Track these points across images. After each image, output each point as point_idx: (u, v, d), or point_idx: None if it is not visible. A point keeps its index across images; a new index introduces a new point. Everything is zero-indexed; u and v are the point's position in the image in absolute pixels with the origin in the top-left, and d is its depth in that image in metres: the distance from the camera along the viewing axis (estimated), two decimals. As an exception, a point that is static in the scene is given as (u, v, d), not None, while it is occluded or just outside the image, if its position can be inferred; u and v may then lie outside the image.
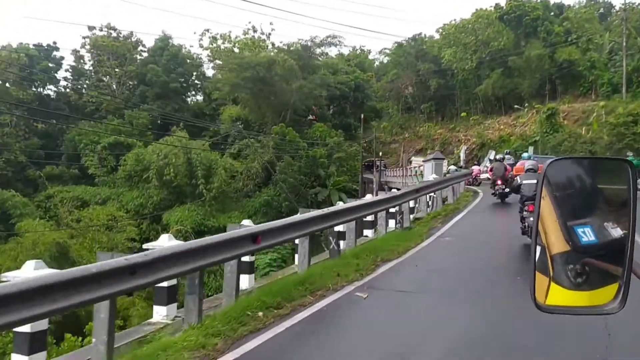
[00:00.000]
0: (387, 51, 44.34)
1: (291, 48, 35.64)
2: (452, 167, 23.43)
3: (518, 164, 13.06)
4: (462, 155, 30.41)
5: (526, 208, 6.91)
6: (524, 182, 7.26)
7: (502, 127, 30.95)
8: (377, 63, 50.39)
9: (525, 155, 16.28)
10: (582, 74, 29.37)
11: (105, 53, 36.83)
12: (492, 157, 21.00)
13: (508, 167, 12.57)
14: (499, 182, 12.12)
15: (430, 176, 17.04)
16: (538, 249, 1.12)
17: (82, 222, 20.16)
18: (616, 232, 1.10)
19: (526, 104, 29.76)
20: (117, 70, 37.29)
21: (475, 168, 19.37)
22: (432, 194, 11.92)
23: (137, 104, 34.82)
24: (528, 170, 7.71)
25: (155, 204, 25.00)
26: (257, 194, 26.09)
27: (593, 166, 1.18)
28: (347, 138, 38.31)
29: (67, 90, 37.51)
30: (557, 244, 1.11)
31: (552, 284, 1.10)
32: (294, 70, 31.75)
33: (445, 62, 35.15)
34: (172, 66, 36.30)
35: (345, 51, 48.11)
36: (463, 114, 35.59)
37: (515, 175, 10.64)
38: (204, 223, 23.32)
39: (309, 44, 36.54)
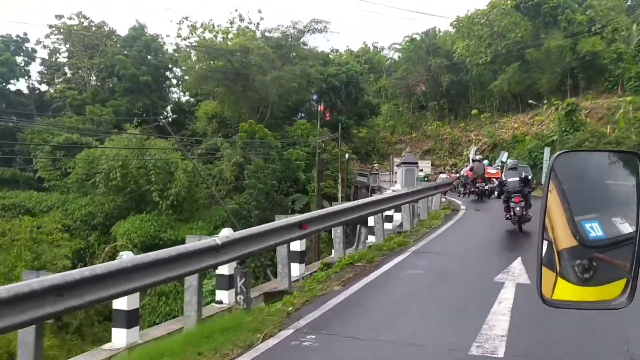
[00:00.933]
0: (398, 46, 44.27)
1: (269, 34, 33.06)
2: (421, 174, 22.48)
3: (490, 169, 15.89)
4: (472, 156, 29.89)
5: (513, 199, 8.53)
6: (509, 179, 8.88)
7: (517, 125, 30.54)
8: (388, 61, 50.16)
9: (485, 162, 18.28)
10: (607, 68, 28.89)
11: (77, 44, 35.46)
12: (503, 159, 23.37)
13: (486, 167, 14.49)
14: (480, 180, 13.91)
15: (392, 188, 14.34)
16: (545, 243, 1.17)
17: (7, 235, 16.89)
18: (624, 227, 1.16)
19: (545, 101, 29.46)
20: (88, 61, 35.58)
21: (443, 175, 20.86)
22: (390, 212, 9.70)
23: (106, 99, 33.00)
24: (511, 168, 9.31)
25: (107, 213, 22.76)
26: (228, 201, 23.88)
27: (601, 159, 1.23)
28: (342, 138, 37.95)
29: (33, 84, 36.47)
30: (564, 239, 1.16)
31: (559, 279, 1.16)
32: (271, 60, 29.82)
33: (458, 55, 34.95)
34: (144, 58, 34.26)
35: (354, 46, 47.87)
36: (474, 111, 35.33)
37: (490, 177, 13.91)
38: (159, 235, 21.16)
39: (291, 30, 33.69)
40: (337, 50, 51.36)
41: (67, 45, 37.03)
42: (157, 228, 21.66)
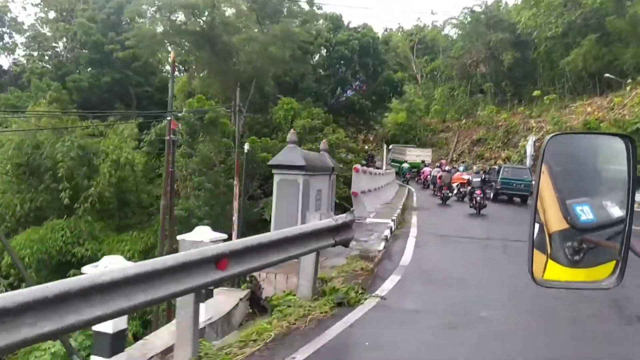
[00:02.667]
0: (455, 21, 43.07)
1: None
2: (406, 166, 30.55)
3: (456, 175, 20.21)
4: (529, 149, 28.35)
5: (475, 192, 14.58)
6: (473, 180, 15.80)
7: (591, 110, 28.54)
8: (447, 39, 49.02)
9: (460, 168, 24.16)
10: None
11: (51, 6, 34.10)
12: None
13: (452, 177, 18.90)
14: (445, 188, 18.25)
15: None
16: (536, 226, 1.36)
17: None
18: (614, 210, 1.32)
19: (629, 80, 27.52)
20: (63, 27, 33.56)
21: (432, 170, 25.12)
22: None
23: (70, 72, 30.34)
24: (476, 172, 17.34)
25: (20, 217, 18.75)
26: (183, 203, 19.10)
27: (593, 142, 1.39)
28: (354, 124, 35.17)
29: (16, 58, 35.48)
30: (556, 221, 1.34)
31: (550, 261, 1.34)
32: (245, 18, 26.00)
33: (522, 27, 33.21)
34: (115, 23, 31.01)
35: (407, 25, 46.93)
36: (536, 92, 33.48)
37: (457, 182, 18.99)
38: (71, 250, 17.50)
39: None
40: (390, 29, 50.91)
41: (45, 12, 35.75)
42: (73, 239, 17.64)
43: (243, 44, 25.04)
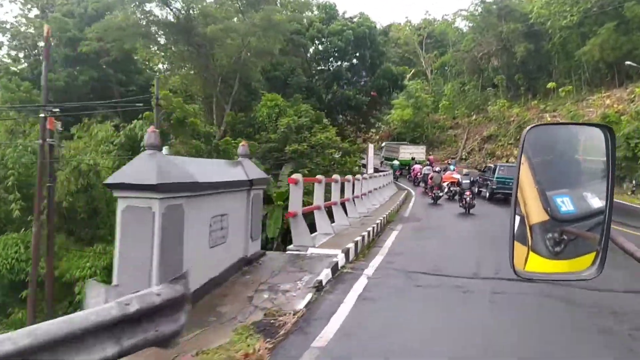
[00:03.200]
0: (465, 12, 42.82)
1: None
2: (396, 163, 30.67)
3: (446, 174, 20.73)
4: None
5: (465, 193, 15.98)
6: (463, 181, 16.93)
7: (610, 103, 28.23)
8: (457, 32, 48.64)
9: (451, 167, 24.82)
10: None
11: (32, 3, 33.23)
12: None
13: (443, 176, 19.98)
14: (436, 188, 19.52)
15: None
16: (517, 218, 1.40)
17: None
18: (594, 201, 1.35)
19: (650, 70, 27.09)
20: (36, 24, 32.18)
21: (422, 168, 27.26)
22: None
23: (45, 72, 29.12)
24: (465, 174, 18.04)
25: None
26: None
27: (573, 133, 1.43)
28: (354, 122, 34.25)
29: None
30: (536, 213, 1.38)
31: (531, 253, 1.38)
32: (227, 7, 24.57)
33: (536, 17, 32.85)
34: (93, 17, 28.80)
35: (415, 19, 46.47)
36: (550, 84, 33.07)
37: (447, 181, 19.53)
38: (25, 268, 15.59)
39: None
40: (398, 24, 50.72)
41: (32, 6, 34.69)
42: (29, 255, 15.30)
43: (221, 36, 23.24)
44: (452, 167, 23.56)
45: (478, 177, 22.06)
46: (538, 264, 1.37)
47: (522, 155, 1.39)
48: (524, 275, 1.39)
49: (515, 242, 1.39)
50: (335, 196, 11.67)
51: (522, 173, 1.38)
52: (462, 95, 41.59)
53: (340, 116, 34.07)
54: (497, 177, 19.80)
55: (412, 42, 49.79)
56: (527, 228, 1.38)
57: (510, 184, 19.51)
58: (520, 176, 1.38)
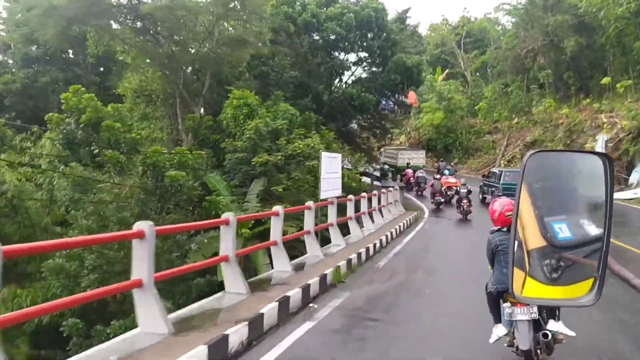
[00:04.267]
0: (507, 7, 41.87)
1: None
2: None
3: (443, 179, 22.46)
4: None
5: (463, 201, 18.21)
6: (461, 190, 20.09)
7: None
8: (499, 28, 47.58)
9: (446, 172, 25.73)
10: None
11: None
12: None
13: (443, 182, 21.90)
14: (438, 195, 21.62)
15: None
16: (516, 243, 1.52)
17: None
18: (591, 229, 1.47)
19: None
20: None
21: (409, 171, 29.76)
22: None
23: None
24: (463, 184, 20.51)
25: None
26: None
27: (573, 160, 1.55)
28: (369, 127, 31.50)
29: None
30: (534, 239, 1.51)
31: (528, 278, 1.50)
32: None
33: (586, 6, 31.58)
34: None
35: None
36: (605, 80, 31.44)
37: (445, 186, 21.88)
38: None
39: None
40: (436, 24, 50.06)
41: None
42: None
43: (169, 17, 20.53)
44: (446, 172, 25.73)
45: (482, 183, 23.66)
46: (536, 289, 1.49)
47: (522, 182, 1.51)
48: (522, 300, 1.51)
49: (514, 267, 1.52)
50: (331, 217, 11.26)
51: (522, 199, 1.51)
52: (504, 98, 40.53)
53: (354, 122, 31.44)
54: (503, 184, 20.17)
55: (449, 41, 49.13)
56: (525, 253, 1.50)
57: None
58: (520, 202, 1.51)
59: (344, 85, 29.08)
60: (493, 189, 21.55)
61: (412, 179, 28.61)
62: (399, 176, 32.12)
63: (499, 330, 4.07)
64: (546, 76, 35.93)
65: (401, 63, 28.08)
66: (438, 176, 23.02)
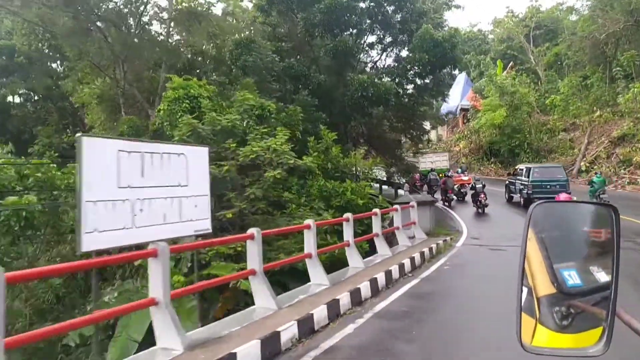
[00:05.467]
0: None
1: None
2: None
3: (455, 177, 25.48)
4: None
5: (480, 195, 20.67)
6: (477, 185, 21.29)
7: None
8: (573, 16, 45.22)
9: (459, 170, 28.72)
10: None
11: None
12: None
13: (456, 180, 24.25)
14: (450, 192, 23.67)
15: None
16: (525, 290, 1.63)
17: None
18: (601, 276, 1.55)
19: None
20: None
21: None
22: None
23: None
24: (477, 179, 21.99)
25: None
26: None
27: (579, 210, 1.63)
28: (397, 129, 27.71)
29: None
30: (543, 286, 1.61)
31: (538, 325, 1.61)
32: None
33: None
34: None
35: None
36: None
37: (458, 183, 24.70)
38: None
39: None
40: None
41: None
42: None
43: None
44: (459, 171, 28.29)
45: (507, 182, 24.77)
46: (545, 338, 1.58)
47: (529, 230, 1.62)
48: (531, 350, 1.61)
49: (523, 314, 1.62)
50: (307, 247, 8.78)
51: (529, 246, 1.62)
52: (583, 92, 37.94)
53: (385, 123, 27.49)
54: (532, 181, 20.94)
55: (517, 35, 47.26)
56: (535, 300, 1.60)
57: (548, 186, 20.56)
58: (528, 249, 1.62)
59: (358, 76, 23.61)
60: (522, 187, 21.89)
61: (417, 182, 28.31)
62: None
63: None
64: (630, 57, 33.31)
65: (428, 37, 23.11)
66: (450, 174, 25.26)
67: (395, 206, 14.08)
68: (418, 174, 29.85)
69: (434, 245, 13.20)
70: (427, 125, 33.51)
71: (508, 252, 12.71)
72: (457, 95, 50.05)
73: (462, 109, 48.49)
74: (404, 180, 27.73)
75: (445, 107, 52.97)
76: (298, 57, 23.62)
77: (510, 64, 45.20)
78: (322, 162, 17.09)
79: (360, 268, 10.03)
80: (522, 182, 21.97)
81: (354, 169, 19.50)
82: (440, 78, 27.22)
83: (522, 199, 22.01)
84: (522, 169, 23.08)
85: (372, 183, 22.35)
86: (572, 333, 1.56)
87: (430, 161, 33.50)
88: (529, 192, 20.96)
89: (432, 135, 54.20)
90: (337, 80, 23.39)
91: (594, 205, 1.65)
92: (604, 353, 1.50)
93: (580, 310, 1.56)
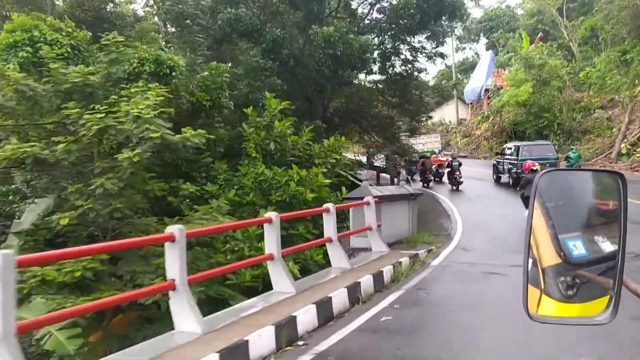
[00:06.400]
0: None
1: None
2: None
3: (433, 157, 27.89)
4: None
5: (455, 173, 23.27)
6: (453, 163, 23.87)
7: None
8: None
9: (436, 150, 30.91)
10: None
11: None
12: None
13: (433, 160, 26.51)
14: (428, 173, 25.28)
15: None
16: (530, 261, 1.70)
17: None
18: (606, 245, 1.61)
19: None
20: None
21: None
22: None
23: None
24: (454, 158, 25.46)
25: None
26: None
27: (585, 179, 1.68)
28: (392, 104, 24.00)
29: None
30: (549, 256, 1.68)
31: (544, 295, 1.67)
32: None
33: None
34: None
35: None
36: None
37: (435, 164, 27.09)
38: None
39: None
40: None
41: None
42: None
43: None
44: (436, 151, 30.21)
45: (494, 162, 25.76)
46: (551, 308, 1.65)
47: (535, 201, 1.68)
48: (538, 319, 1.68)
49: (529, 285, 1.69)
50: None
51: (535, 217, 1.68)
52: (622, 68, 36.08)
53: (378, 94, 23.76)
54: (521, 159, 20.91)
55: (549, 8, 45.62)
56: (540, 271, 1.67)
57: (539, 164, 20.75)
58: (534, 220, 1.68)
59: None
60: (510, 166, 22.22)
61: (421, 167, 26.89)
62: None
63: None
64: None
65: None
66: (429, 154, 27.27)
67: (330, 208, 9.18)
68: (421, 159, 27.61)
69: (388, 267, 8.89)
70: (429, 98, 28.23)
71: (510, 280, 8.26)
72: (482, 76, 49.01)
73: (487, 90, 47.40)
74: (400, 169, 24.74)
75: (469, 90, 51.92)
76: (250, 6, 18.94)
77: (539, 35, 42.97)
78: (260, 140, 13.55)
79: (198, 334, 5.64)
80: (511, 162, 22.42)
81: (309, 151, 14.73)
82: (437, 33, 22.48)
83: (510, 179, 22.72)
84: (510, 148, 23.86)
85: (351, 171, 19.09)
86: (578, 303, 1.62)
87: (422, 143, 33.81)
88: (518, 171, 21.16)
89: (450, 116, 52.91)
90: (299, 36, 19.22)
91: (599, 173, 1.70)
92: (611, 321, 1.56)
93: (586, 279, 1.62)
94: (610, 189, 1.59)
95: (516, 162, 21.60)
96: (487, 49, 55.57)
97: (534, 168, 15.44)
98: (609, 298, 1.57)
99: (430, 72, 32.45)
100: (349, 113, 23.24)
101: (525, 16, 49.20)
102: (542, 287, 1.66)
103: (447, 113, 52.42)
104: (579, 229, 1.64)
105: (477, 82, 50.24)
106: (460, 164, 23.35)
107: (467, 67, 61.66)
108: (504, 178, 24.15)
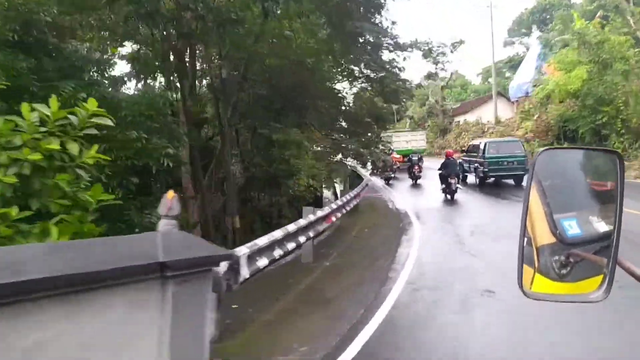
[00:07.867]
0: None
1: None
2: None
3: (392, 155, 29.29)
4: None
5: (414, 168, 26.50)
6: (412, 157, 27.98)
7: None
8: None
9: (421, 150, 32.64)
10: None
11: None
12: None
13: (393, 158, 27.80)
14: (389, 170, 26.95)
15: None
16: (525, 240, 1.81)
17: None
18: (600, 225, 1.71)
19: None
20: None
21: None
22: None
23: None
24: (414, 153, 30.28)
25: None
26: None
27: (583, 157, 1.78)
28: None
29: None
30: (543, 235, 1.79)
31: (537, 274, 1.78)
32: None
33: None
34: None
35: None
36: None
37: (396, 161, 30.56)
38: None
39: None
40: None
41: None
42: None
43: None
44: (421, 150, 32.48)
45: (459, 161, 24.05)
46: (544, 286, 1.76)
47: (532, 179, 1.79)
48: (532, 296, 1.79)
49: (523, 264, 1.80)
50: None
51: (531, 196, 1.78)
52: None
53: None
54: (488, 158, 20.88)
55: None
56: (534, 250, 1.77)
57: (505, 163, 20.86)
58: (530, 199, 1.78)
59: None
60: (476, 164, 22.06)
61: (415, 170, 26.81)
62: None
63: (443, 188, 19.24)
64: None
65: None
66: (391, 152, 28.95)
67: None
68: (416, 159, 27.49)
69: None
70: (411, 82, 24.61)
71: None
72: (530, 70, 47.89)
73: (536, 86, 46.13)
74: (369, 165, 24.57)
75: (514, 87, 50.72)
76: None
77: (599, 13, 35.78)
78: None
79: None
80: (477, 160, 22.10)
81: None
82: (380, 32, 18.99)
83: (477, 179, 22.48)
84: (476, 145, 23.51)
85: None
86: (572, 281, 1.72)
87: (405, 140, 34.25)
88: (484, 170, 21.23)
89: (489, 115, 51.23)
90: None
91: (597, 151, 1.79)
92: (604, 299, 1.66)
93: (580, 258, 1.72)
94: (607, 168, 1.69)
95: (483, 160, 21.22)
96: (540, 44, 53.65)
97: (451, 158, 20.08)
98: (603, 277, 1.66)
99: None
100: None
101: (584, 2, 47.26)
102: (536, 265, 1.77)
103: (485, 112, 51.09)
104: (575, 209, 1.74)
105: (523, 77, 49.08)
106: (420, 159, 26.70)
107: (516, 64, 58.80)
108: (470, 178, 23.93)
